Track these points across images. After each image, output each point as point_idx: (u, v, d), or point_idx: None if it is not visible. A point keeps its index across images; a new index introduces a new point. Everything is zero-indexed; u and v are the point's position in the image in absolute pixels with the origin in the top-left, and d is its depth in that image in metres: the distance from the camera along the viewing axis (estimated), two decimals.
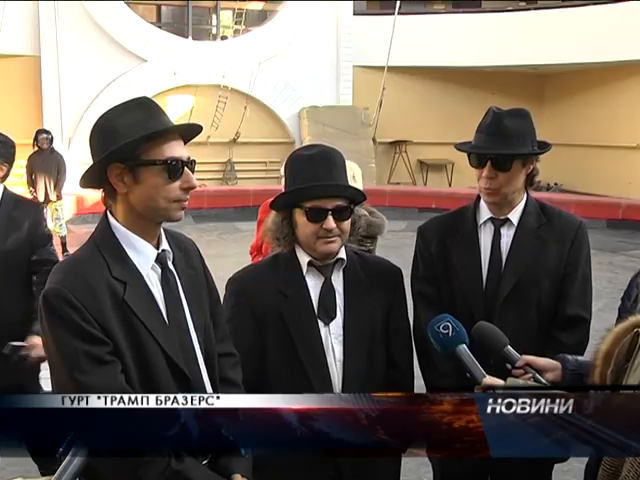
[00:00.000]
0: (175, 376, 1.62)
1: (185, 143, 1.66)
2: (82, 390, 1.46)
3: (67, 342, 1.50)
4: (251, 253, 4.00)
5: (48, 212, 9.51)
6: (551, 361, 1.95)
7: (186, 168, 1.62)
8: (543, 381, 1.88)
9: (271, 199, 3.92)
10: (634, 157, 14.81)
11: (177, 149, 1.61)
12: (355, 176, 3.39)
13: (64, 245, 9.57)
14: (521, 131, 2.18)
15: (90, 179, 1.63)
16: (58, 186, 9.34)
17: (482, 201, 2.30)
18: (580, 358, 1.96)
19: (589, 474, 2.07)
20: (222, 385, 1.80)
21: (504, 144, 2.15)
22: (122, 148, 1.55)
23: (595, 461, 1.98)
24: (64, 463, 1.29)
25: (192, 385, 1.65)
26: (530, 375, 1.90)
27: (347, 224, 2.04)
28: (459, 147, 2.29)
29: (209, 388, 1.73)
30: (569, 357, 1.95)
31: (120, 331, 1.54)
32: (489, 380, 1.83)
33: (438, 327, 1.89)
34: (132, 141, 1.55)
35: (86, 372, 1.49)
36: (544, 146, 2.26)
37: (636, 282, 2.10)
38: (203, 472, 1.64)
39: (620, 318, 2.13)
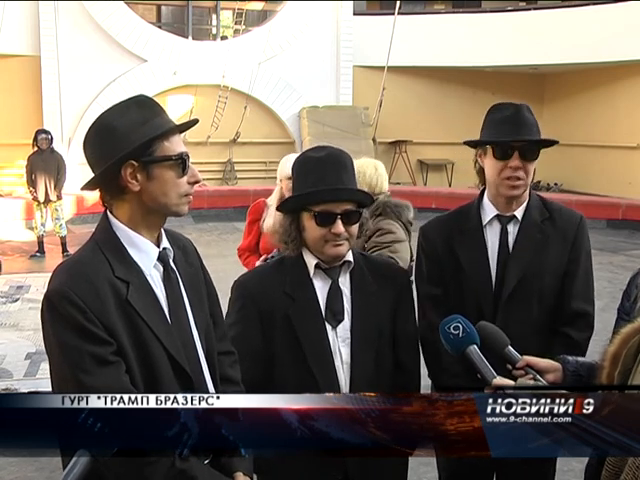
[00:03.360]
0: (177, 375, 1.62)
1: None
2: (86, 391, 1.46)
3: (71, 343, 1.49)
4: (240, 255, 3.89)
5: (48, 212, 9.53)
6: (552, 362, 1.95)
7: (189, 163, 1.66)
8: (543, 382, 1.88)
9: (260, 200, 3.92)
10: (634, 157, 14.82)
11: (181, 144, 1.65)
12: (379, 179, 3.39)
13: (64, 245, 9.57)
14: (537, 124, 2.19)
15: (102, 180, 1.62)
16: (58, 186, 9.33)
17: (486, 199, 2.29)
18: (580, 359, 1.96)
19: (589, 474, 2.08)
20: (222, 384, 1.80)
21: (530, 134, 2.15)
22: (140, 146, 1.56)
23: (596, 461, 1.98)
24: (70, 464, 1.28)
25: (194, 384, 1.65)
26: (531, 376, 1.90)
27: (355, 228, 2.03)
28: (481, 141, 2.22)
29: (210, 386, 1.73)
30: (569, 358, 1.95)
31: (124, 331, 1.54)
32: (499, 381, 1.82)
33: (449, 327, 1.88)
34: (150, 139, 1.57)
35: (90, 373, 1.48)
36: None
37: (635, 282, 2.10)
38: (207, 471, 1.64)
39: (619, 318, 2.13)
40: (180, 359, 1.62)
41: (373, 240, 3.29)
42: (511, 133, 2.13)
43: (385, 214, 3.34)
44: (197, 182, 1.66)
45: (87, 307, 1.50)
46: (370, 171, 3.40)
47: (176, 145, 1.62)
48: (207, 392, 1.71)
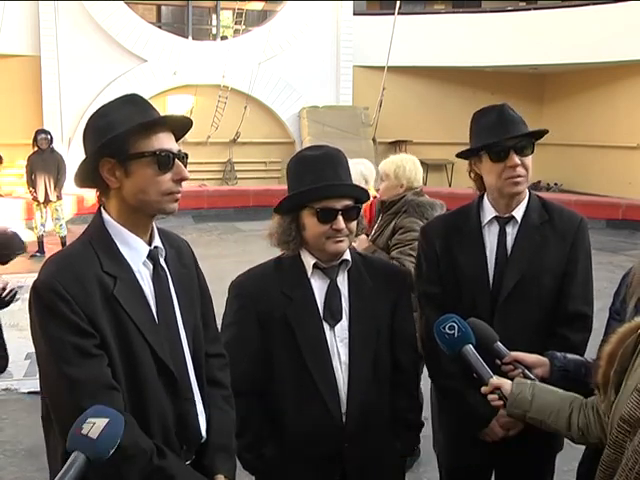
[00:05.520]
0: (161, 373, 1.61)
1: (178, 139, 1.66)
2: (68, 382, 1.47)
3: (55, 334, 1.49)
4: None
5: (48, 212, 9.53)
6: (539, 357, 1.97)
7: (177, 160, 1.61)
8: (532, 376, 1.90)
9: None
10: (634, 157, 14.81)
11: (166, 141, 1.61)
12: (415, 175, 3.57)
13: (64, 245, 9.55)
14: (522, 119, 2.19)
15: (83, 176, 1.63)
16: (58, 186, 9.33)
17: (486, 200, 2.29)
18: (569, 355, 1.99)
19: (581, 473, 2.10)
20: (210, 387, 1.79)
21: (519, 130, 2.15)
22: (110, 142, 1.55)
23: (588, 461, 2.00)
24: (65, 466, 1.28)
25: (178, 383, 1.65)
26: (519, 370, 1.92)
27: (354, 224, 2.03)
28: (472, 149, 2.22)
29: (195, 387, 1.72)
30: (558, 354, 1.98)
31: (108, 325, 1.54)
32: (496, 381, 1.83)
33: (444, 327, 1.89)
34: (119, 134, 1.55)
35: (73, 364, 1.48)
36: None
37: (625, 281, 2.10)
38: (185, 469, 1.64)
39: (611, 318, 2.15)
40: (164, 356, 1.61)
41: (396, 237, 3.37)
42: (501, 133, 2.14)
43: (409, 212, 3.46)
44: (183, 180, 1.62)
45: (72, 299, 1.50)
46: (410, 165, 3.57)
47: (156, 141, 1.59)
48: (191, 392, 1.70)
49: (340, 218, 1.97)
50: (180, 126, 1.67)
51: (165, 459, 1.56)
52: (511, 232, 2.26)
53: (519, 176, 2.16)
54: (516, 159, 2.13)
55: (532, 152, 2.18)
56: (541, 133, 2.22)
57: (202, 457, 1.72)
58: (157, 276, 1.66)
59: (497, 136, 2.14)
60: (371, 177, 4.15)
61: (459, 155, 2.30)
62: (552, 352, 1.99)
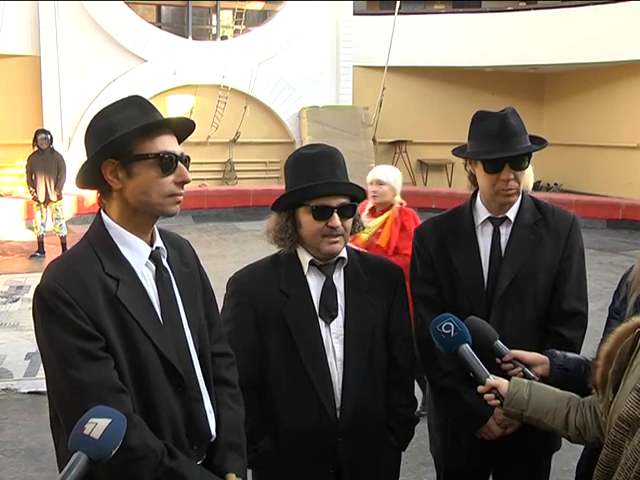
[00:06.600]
0: (168, 374, 1.61)
1: (180, 141, 1.66)
2: (74, 385, 1.47)
3: (60, 338, 1.49)
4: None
5: (48, 212, 9.53)
6: (539, 355, 1.98)
7: (180, 163, 1.61)
8: (532, 375, 1.91)
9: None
10: (634, 157, 14.82)
11: (169, 144, 1.61)
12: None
13: (64, 245, 9.56)
14: (523, 128, 2.19)
15: (85, 176, 1.63)
16: (58, 186, 9.33)
17: (478, 200, 2.31)
18: (568, 354, 1.99)
19: (580, 473, 2.10)
20: (218, 385, 1.79)
21: (517, 143, 2.15)
22: (114, 143, 1.55)
23: (587, 461, 2.01)
24: (67, 465, 1.29)
25: (185, 383, 1.65)
26: (519, 369, 1.93)
27: (350, 222, 2.05)
28: (470, 156, 2.24)
29: (203, 386, 1.73)
30: (557, 352, 1.98)
31: (112, 327, 1.54)
32: (493, 380, 1.83)
33: (440, 327, 1.89)
34: (122, 135, 1.55)
35: (78, 368, 1.48)
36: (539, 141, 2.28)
37: (625, 281, 2.11)
38: (196, 469, 1.64)
39: (610, 317, 2.15)
40: (170, 357, 1.61)
41: None
42: (499, 147, 2.13)
43: None
44: (185, 182, 1.62)
45: (76, 303, 1.50)
46: None
47: (160, 144, 1.59)
48: (199, 392, 1.71)
49: (336, 216, 1.99)
50: (183, 128, 1.67)
51: (176, 459, 1.56)
52: (505, 232, 2.27)
53: (510, 189, 2.18)
54: (510, 174, 2.15)
55: (528, 166, 2.19)
56: (537, 148, 2.21)
57: (213, 456, 1.73)
58: (160, 277, 1.66)
59: (494, 149, 2.13)
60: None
61: (455, 152, 2.31)
62: (552, 350, 2.00)
